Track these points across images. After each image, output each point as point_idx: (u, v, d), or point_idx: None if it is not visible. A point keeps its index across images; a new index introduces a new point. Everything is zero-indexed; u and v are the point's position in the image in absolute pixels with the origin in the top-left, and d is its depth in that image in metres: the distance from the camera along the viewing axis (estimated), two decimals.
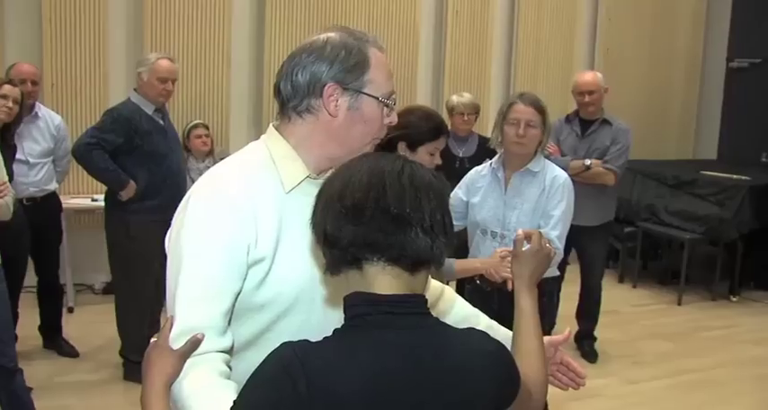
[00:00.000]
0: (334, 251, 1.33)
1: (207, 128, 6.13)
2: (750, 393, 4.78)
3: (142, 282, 4.43)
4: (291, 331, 1.55)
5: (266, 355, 1.33)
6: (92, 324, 5.38)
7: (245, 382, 1.28)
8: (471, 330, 1.43)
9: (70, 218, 5.74)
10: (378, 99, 1.65)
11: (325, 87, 1.61)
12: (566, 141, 5.17)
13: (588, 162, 4.91)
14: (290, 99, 1.67)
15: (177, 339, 1.44)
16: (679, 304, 6.75)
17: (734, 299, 6.94)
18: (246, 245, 1.53)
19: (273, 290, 1.57)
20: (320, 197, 1.37)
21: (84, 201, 5.82)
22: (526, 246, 1.75)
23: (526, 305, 1.67)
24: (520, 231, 1.78)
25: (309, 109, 1.65)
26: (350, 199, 1.30)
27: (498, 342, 1.42)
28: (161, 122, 4.47)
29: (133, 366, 4.54)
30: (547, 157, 3.42)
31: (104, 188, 4.53)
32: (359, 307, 1.33)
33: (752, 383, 4.95)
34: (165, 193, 4.38)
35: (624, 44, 8.23)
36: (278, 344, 1.37)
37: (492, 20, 7.50)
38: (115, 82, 6.12)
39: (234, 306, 1.53)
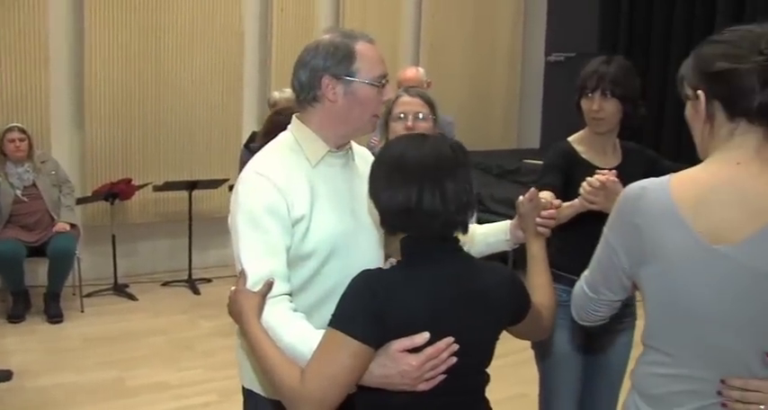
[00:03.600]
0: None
1: (24, 131, 5.85)
2: None
3: None
4: (335, 274, 2.00)
5: (320, 295, 2.00)
6: None
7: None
8: (492, 262, 1.90)
9: None
10: (367, 83, 2.03)
11: (322, 79, 2.02)
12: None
13: None
14: (301, 92, 2.07)
15: (256, 285, 1.86)
16: None
17: None
18: (286, 208, 1.94)
19: (315, 241, 1.98)
20: (412, 176, 1.71)
21: None
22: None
23: (536, 250, 2.18)
24: (521, 197, 2.26)
25: (316, 98, 2.05)
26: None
27: (510, 269, 1.88)
28: None
29: None
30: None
31: None
32: (414, 247, 1.76)
33: None
34: None
35: (448, 40, 8.46)
36: (326, 286, 1.99)
37: (317, 16, 7.53)
38: None
39: (288, 257, 1.94)
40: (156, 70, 6.74)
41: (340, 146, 2.12)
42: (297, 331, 1.80)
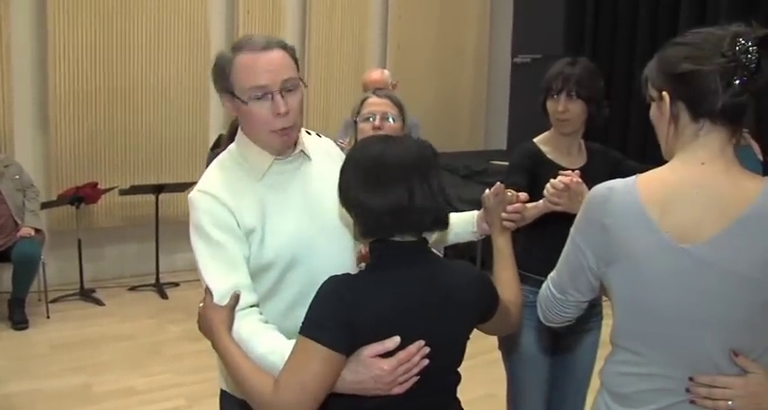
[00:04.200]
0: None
1: None
2: None
3: None
4: (300, 279, 1.99)
5: (288, 302, 1.99)
6: None
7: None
8: (460, 261, 1.90)
9: None
10: (239, 98, 1.96)
11: (220, 94, 2.03)
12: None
13: None
14: None
15: (222, 300, 1.85)
16: None
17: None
18: (235, 222, 1.92)
19: (272, 251, 1.97)
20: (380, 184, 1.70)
21: None
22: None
23: (502, 245, 2.18)
24: (487, 191, 2.25)
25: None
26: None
27: (478, 269, 1.89)
28: None
29: None
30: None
31: None
32: (384, 250, 1.76)
33: None
34: None
35: (414, 41, 8.47)
36: (292, 292, 1.99)
37: (284, 18, 7.51)
38: None
39: (249, 268, 1.94)
40: (122, 73, 6.68)
41: (281, 153, 2.06)
42: (268, 342, 1.79)
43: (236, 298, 1.85)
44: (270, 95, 1.94)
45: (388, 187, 1.68)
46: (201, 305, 1.90)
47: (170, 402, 4.42)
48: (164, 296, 6.60)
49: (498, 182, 2.27)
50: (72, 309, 6.18)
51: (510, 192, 2.26)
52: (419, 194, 1.68)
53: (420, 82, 8.38)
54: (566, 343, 3.03)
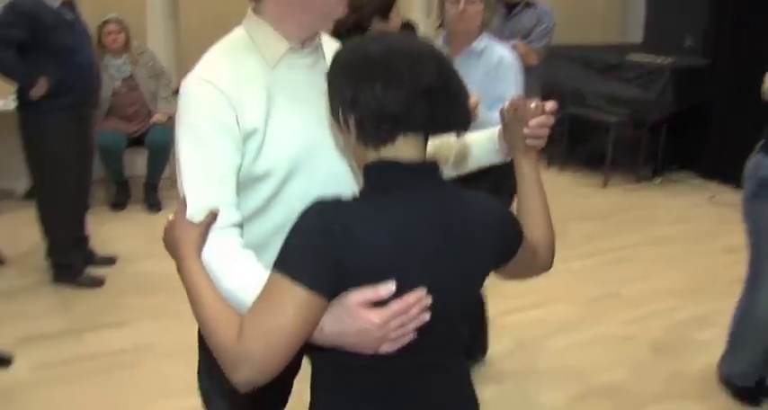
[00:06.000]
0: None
1: (120, 22, 5.87)
2: (664, 269, 4.94)
3: (62, 183, 4.38)
4: (293, 197, 1.68)
5: (279, 221, 1.66)
6: (16, 228, 5.29)
7: (283, 238, 1.35)
8: (478, 193, 1.53)
9: None
10: None
11: None
12: (490, 24, 5.09)
13: (512, 43, 4.82)
14: None
15: (198, 215, 1.55)
16: (604, 186, 6.92)
17: (657, 181, 7.13)
18: (235, 119, 1.61)
19: (271, 159, 1.66)
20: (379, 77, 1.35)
21: None
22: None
23: (527, 169, 1.75)
24: (506, 103, 1.79)
25: None
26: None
27: (500, 202, 1.56)
28: (67, 16, 4.23)
29: (61, 268, 4.50)
30: None
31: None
32: (384, 171, 1.41)
33: (666, 261, 5.11)
34: (77, 90, 4.25)
35: None
36: (286, 210, 1.64)
37: None
38: None
39: (238, 179, 1.64)
40: None
41: (305, 41, 1.76)
42: (240, 274, 1.52)
43: (213, 216, 1.56)
44: None
45: (402, 72, 1.34)
46: (171, 217, 1.63)
47: None
48: None
49: (515, 94, 1.99)
50: None
51: (533, 103, 1.76)
52: (451, 76, 1.39)
53: None
54: None
